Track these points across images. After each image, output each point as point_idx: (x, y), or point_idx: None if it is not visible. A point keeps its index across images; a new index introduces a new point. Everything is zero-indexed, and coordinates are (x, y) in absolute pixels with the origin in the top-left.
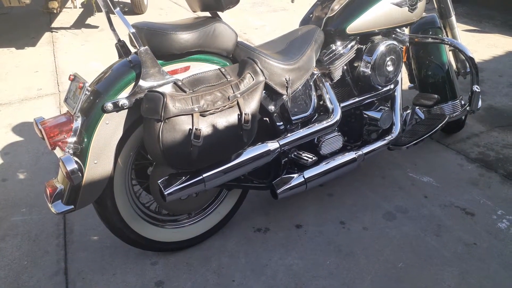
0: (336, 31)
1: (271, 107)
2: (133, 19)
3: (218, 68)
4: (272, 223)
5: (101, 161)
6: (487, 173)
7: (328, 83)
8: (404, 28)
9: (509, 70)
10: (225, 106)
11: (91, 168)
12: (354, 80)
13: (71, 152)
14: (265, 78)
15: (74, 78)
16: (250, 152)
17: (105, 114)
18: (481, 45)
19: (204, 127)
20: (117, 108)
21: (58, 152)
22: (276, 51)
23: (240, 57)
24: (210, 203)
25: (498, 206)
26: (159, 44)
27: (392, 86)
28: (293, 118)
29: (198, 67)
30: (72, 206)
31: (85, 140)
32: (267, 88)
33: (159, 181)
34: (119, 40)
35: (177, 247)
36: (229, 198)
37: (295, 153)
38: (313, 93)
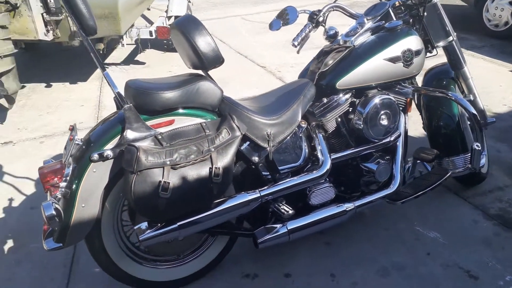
0: (327, 86)
1: (255, 158)
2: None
3: (200, 123)
4: (262, 269)
5: (88, 205)
6: (504, 232)
7: (321, 135)
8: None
9: None
10: (197, 159)
11: (79, 211)
12: (350, 132)
13: (59, 196)
14: (241, 134)
15: (72, 129)
16: (227, 203)
17: (92, 163)
18: None
19: (174, 179)
20: (103, 158)
21: (48, 196)
22: (261, 105)
23: (225, 112)
24: (198, 247)
25: (507, 271)
26: (143, 102)
27: (391, 138)
28: (280, 167)
29: (183, 121)
30: (61, 244)
31: (74, 185)
32: (249, 140)
33: (136, 227)
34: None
35: (165, 287)
36: (218, 242)
37: (278, 203)
38: (304, 144)
